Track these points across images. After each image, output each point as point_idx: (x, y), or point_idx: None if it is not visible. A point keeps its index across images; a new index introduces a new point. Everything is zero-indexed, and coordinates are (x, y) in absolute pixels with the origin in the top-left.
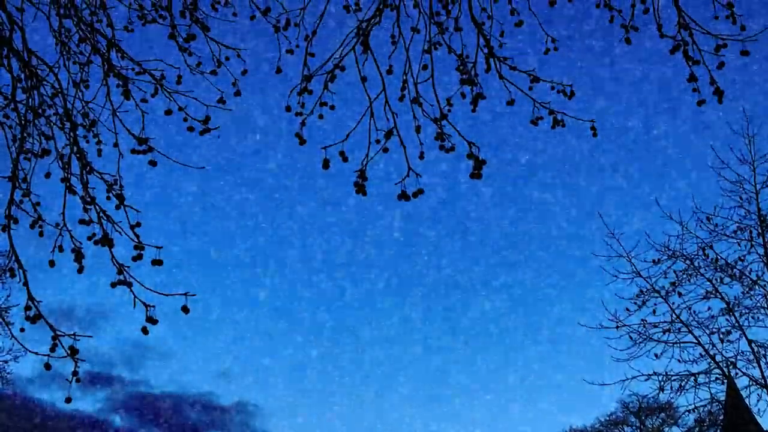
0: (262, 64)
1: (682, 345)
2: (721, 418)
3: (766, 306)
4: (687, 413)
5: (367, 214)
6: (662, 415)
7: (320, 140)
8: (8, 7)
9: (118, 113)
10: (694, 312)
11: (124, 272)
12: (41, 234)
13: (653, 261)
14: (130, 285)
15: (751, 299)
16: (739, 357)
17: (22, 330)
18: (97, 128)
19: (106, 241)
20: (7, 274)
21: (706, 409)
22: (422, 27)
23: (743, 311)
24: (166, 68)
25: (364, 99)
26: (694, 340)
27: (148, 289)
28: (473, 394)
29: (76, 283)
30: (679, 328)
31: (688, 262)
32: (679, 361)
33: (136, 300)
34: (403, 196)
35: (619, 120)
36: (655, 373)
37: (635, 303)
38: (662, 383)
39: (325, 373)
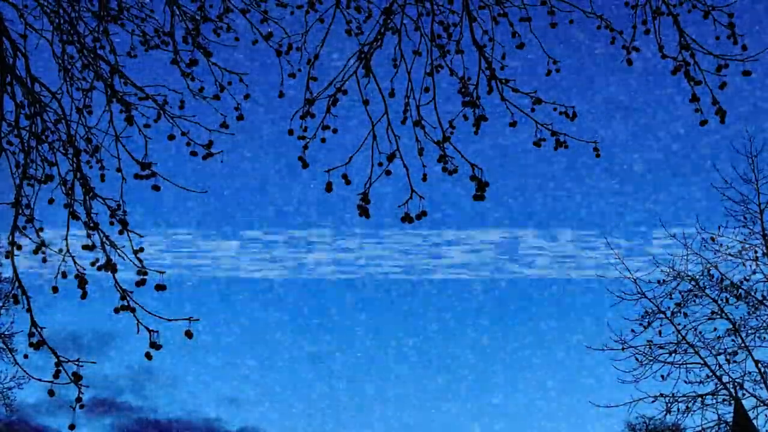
0: (265, 88)
1: (688, 366)
2: None
3: None
4: None
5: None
6: None
7: (323, 163)
8: (11, 34)
9: (121, 138)
10: (700, 333)
11: (128, 297)
12: (44, 260)
13: (658, 282)
14: (133, 310)
15: (756, 319)
16: (746, 378)
17: (25, 357)
18: (100, 154)
19: (110, 266)
20: (11, 301)
21: (713, 430)
22: (424, 50)
23: (749, 331)
24: (169, 93)
25: (366, 122)
26: (701, 361)
27: (151, 314)
28: (474, 417)
29: (82, 308)
30: (685, 349)
31: (693, 282)
32: (685, 382)
33: (140, 325)
34: (407, 218)
35: (622, 140)
36: (661, 395)
37: (641, 324)
38: (669, 405)
39: (334, 400)
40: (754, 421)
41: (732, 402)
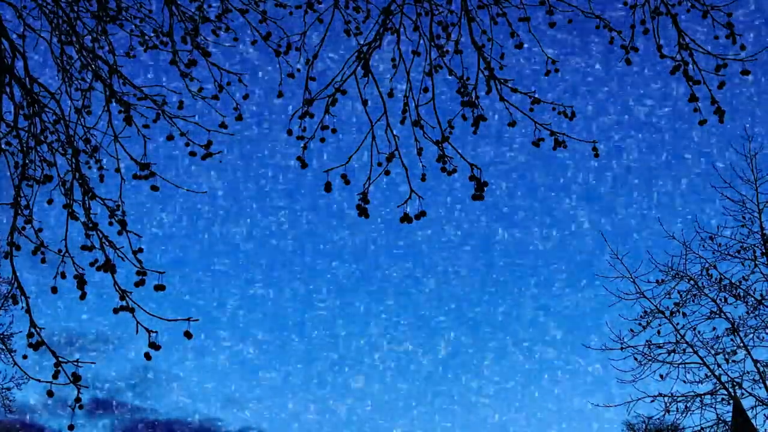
0: (264, 88)
1: (687, 365)
2: None
3: None
4: None
5: (370, 236)
6: None
7: (322, 164)
8: (10, 34)
9: (120, 139)
10: (699, 332)
11: (127, 298)
12: (43, 260)
13: (657, 281)
14: (132, 311)
15: (755, 319)
16: (744, 377)
17: (24, 357)
18: (99, 154)
19: (109, 267)
20: (10, 301)
21: (712, 430)
22: (423, 50)
23: (748, 331)
24: (168, 93)
25: (365, 122)
26: (699, 361)
27: (150, 314)
28: (473, 418)
29: (81, 308)
30: (684, 349)
31: (691, 282)
32: (684, 381)
33: (139, 326)
34: (406, 218)
35: (620, 139)
36: (660, 395)
37: (639, 324)
38: (668, 404)
39: (335, 401)
40: (753, 421)
41: (731, 401)
